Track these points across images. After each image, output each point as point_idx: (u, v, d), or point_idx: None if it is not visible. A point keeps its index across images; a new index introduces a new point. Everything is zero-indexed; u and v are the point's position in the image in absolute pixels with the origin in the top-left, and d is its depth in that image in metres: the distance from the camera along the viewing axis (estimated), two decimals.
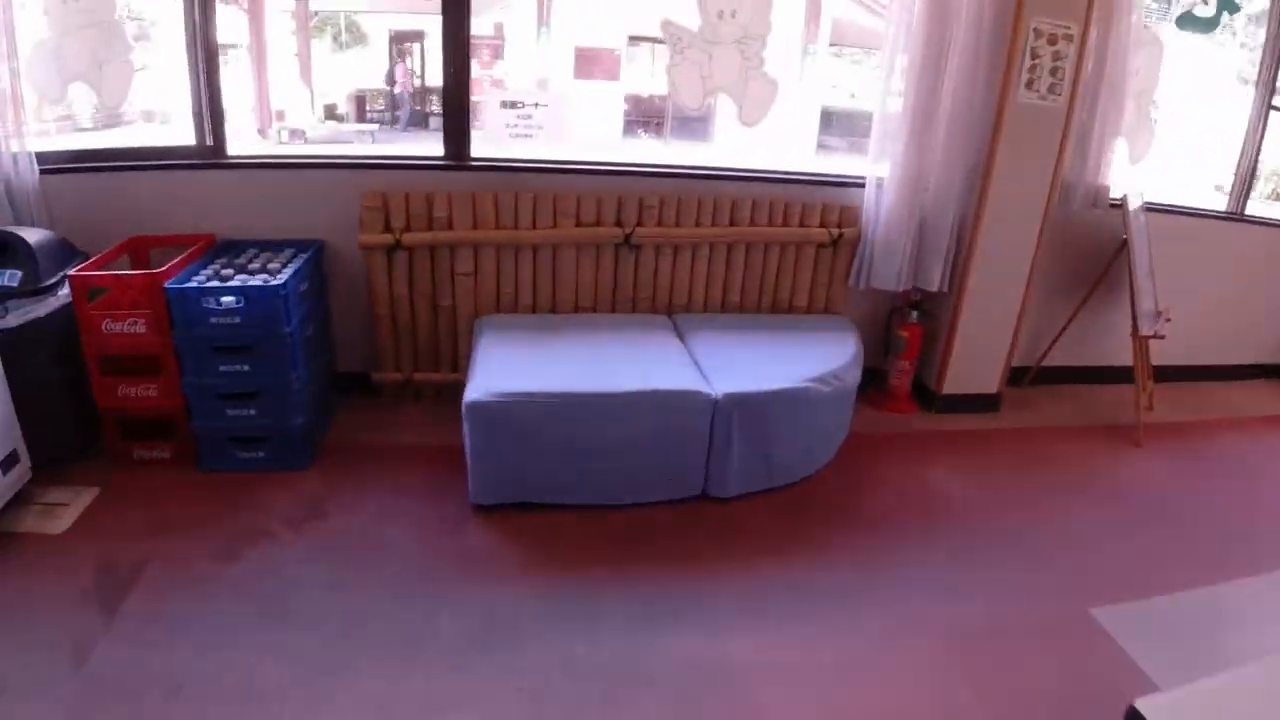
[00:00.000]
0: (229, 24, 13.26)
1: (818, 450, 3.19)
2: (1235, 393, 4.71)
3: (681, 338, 3.31)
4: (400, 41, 13.93)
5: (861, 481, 3.27)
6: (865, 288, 3.69)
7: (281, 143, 11.23)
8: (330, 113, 12.93)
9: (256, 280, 2.95)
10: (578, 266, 3.48)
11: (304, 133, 11.48)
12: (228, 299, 2.86)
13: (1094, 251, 4.07)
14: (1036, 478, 3.46)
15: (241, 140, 10.99)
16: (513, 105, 3.31)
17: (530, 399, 2.70)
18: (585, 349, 3.09)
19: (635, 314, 3.56)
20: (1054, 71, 3.39)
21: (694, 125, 11.87)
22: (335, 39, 17.80)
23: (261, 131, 11.56)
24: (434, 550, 2.70)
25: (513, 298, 3.48)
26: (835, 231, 3.59)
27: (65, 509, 2.83)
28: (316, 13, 13.05)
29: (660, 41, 3.31)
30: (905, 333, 3.76)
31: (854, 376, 3.22)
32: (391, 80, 13.85)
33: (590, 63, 12.37)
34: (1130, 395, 4.07)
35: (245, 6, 11.16)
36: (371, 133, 11.67)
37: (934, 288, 3.65)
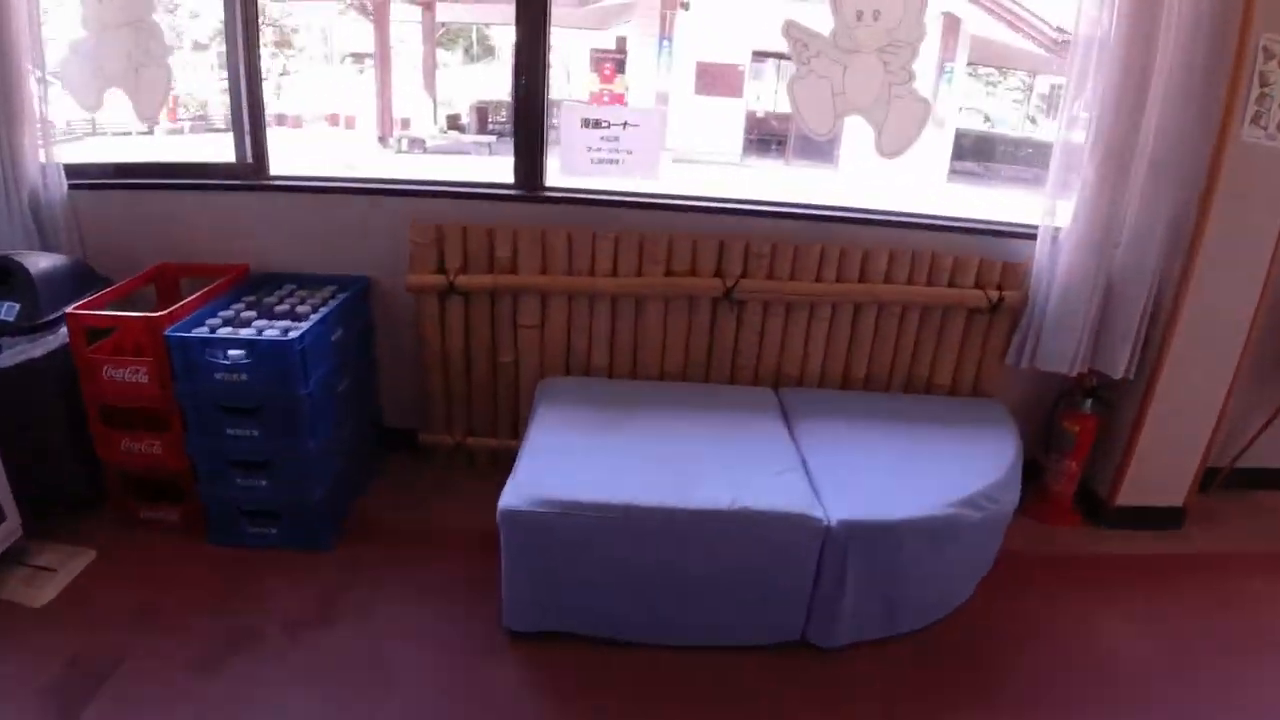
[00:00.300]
0: (360, 34, 13.28)
1: (955, 588, 2.38)
2: None
3: (788, 423, 2.56)
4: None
5: (1007, 629, 2.42)
6: (1028, 367, 2.85)
7: (400, 151, 11.06)
8: (453, 123, 12.71)
9: (274, 330, 2.38)
10: (666, 324, 2.77)
11: (423, 142, 11.27)
12: (235, 352, 2.31)
13: None
14: (1233, 632, 2.53)
15: (364, 147, 10.92)
16: (595, 125, 2.65)
17: (581, 511, 2.01)
18: (663, 437, 2.37)
19: (734, 386, 2.82)
20: None
21: (820, 146, 11.02)
22: (466, 51, 17.79)
23: (382, 139, 11.42)
24: (450, 688, 2.07)
25: (585, 357, 2.80)
26: (995, 295, 2.76)
27: (53, 576, 2.38)
28: (444, 25, 12.85)
29: (787, 58, 2.59)
30: (1074, 427, 2.87)
31: (1012, 495, 2.39)
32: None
33: (712, 78, 11.67)
34: None
35: (372, 16, 11.02)
36: (489, 144, 11.31)
37: (1117, 373, 2.76)
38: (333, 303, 2.62)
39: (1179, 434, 2.86)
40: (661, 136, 2.75)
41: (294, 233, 2.86)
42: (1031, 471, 3.00)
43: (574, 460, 2.20)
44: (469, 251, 2.69)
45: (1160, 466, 2.90)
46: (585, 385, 2.71)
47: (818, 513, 2.06)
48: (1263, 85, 2.48)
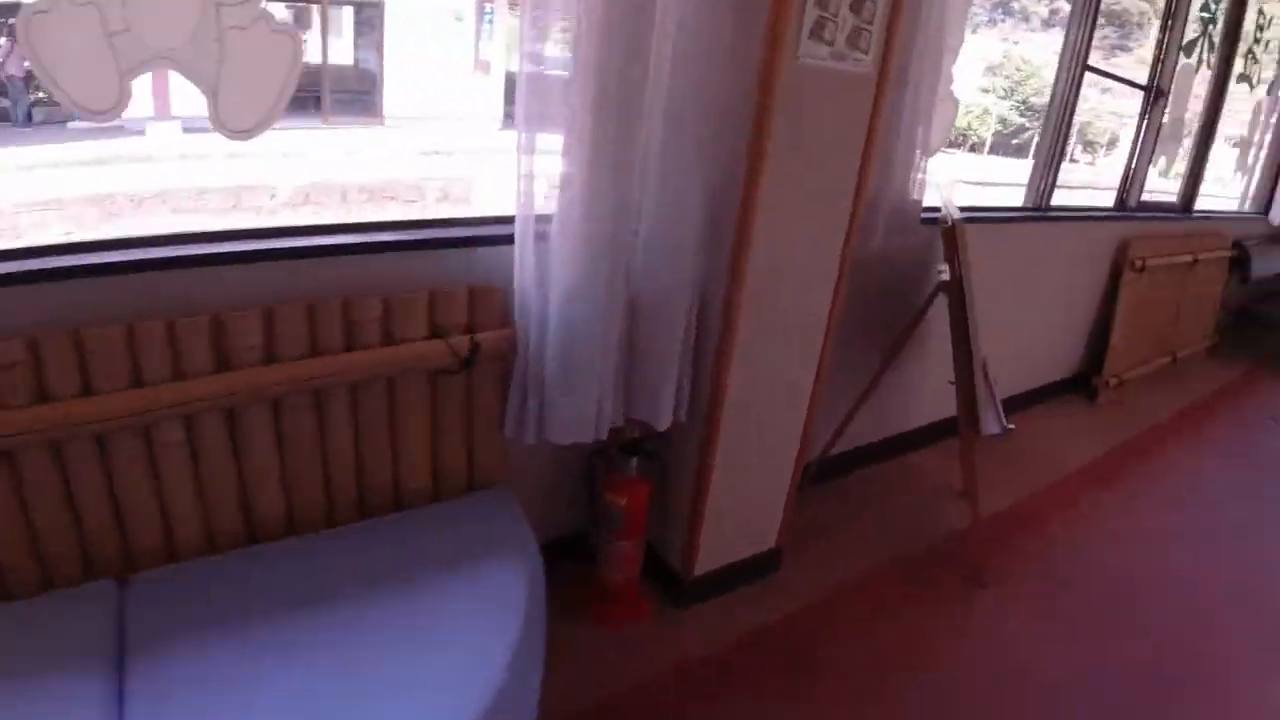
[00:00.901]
0: None
1: None
2: (1045, 428, 3.63)
3: (121, 679, 1.26)
4: None
5: None
6: (537, 441, 1.84)
7: None
8: None
9: None
10: None
11: None
12: None
13: (890, 297, 2.64)
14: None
15: None
16: None
17: None
18: None
19: (45, 596, 1.40)
20: (857, 7, 1.71)
21: (361, 97, 9.35)
22: None
23: None
24: None
25: None
26: (466, 341, 1.68)
27: None
28: None
29: None
30: (621, 498, 1.95)
31: (530, 679, 1.39)
32: None
33: None
34: (941, 471, 3.00)
35: None
36: None
37: (663, 423, 1.89)
38: None
39: (758, 471, 2.12)
40: None
41: None
42: (583, 552, 2.12)
43: None
44: None
45: (742, 514, 2.15)
46: None
47: None
48: None
